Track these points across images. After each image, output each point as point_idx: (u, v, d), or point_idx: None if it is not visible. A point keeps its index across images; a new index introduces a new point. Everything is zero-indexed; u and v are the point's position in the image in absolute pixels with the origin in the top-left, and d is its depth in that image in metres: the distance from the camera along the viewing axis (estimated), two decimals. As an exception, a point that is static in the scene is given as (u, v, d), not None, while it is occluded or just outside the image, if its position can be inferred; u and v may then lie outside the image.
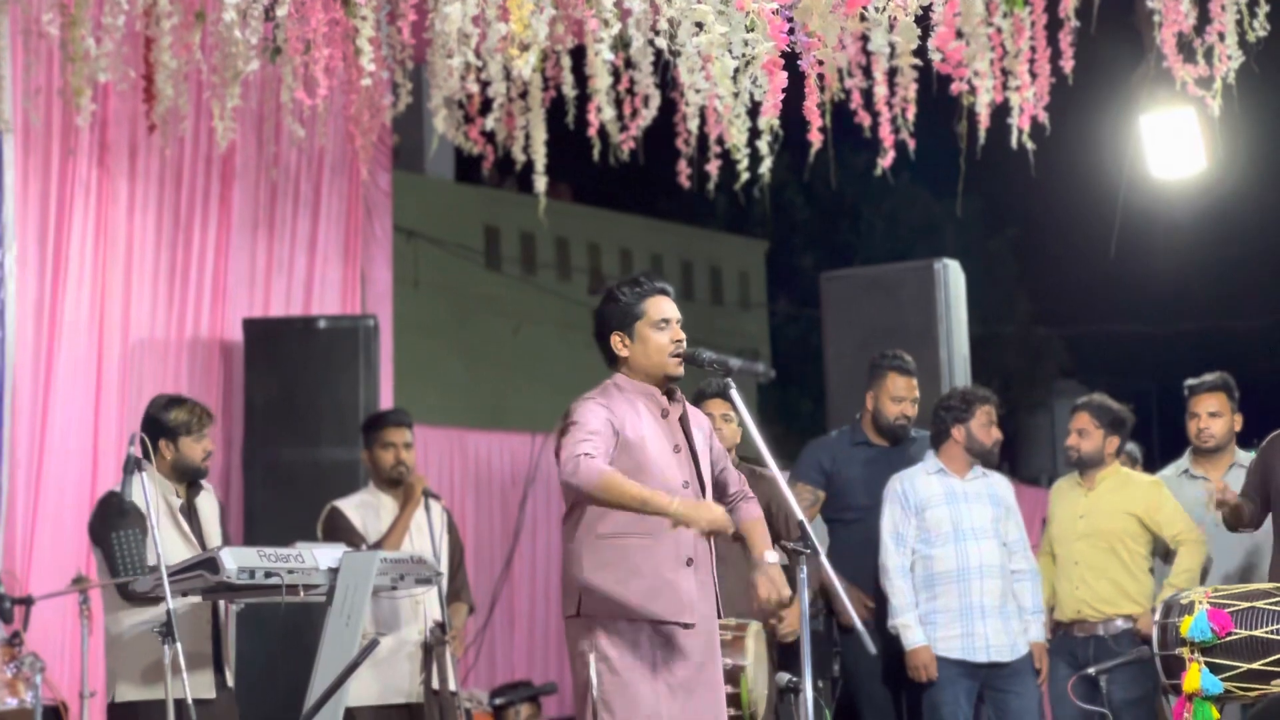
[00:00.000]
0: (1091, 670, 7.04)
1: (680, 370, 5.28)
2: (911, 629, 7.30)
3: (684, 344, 5.29)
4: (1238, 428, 7.82)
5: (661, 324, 5.27)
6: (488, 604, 11.39)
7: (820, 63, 6.07)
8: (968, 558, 7.29)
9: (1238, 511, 7.17)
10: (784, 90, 7.51)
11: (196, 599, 6.31)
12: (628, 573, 5.13)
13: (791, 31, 6.23)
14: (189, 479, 6.53)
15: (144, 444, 6.52)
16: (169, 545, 6.31)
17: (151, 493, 6.38)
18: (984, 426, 7.43)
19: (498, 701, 9.72)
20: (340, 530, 7.42)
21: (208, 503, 6.66)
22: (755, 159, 8.19)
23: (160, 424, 6.54)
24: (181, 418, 6.52)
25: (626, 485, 5.02)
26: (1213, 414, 7.73)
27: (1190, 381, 7.83)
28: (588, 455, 5.02)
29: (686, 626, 5.18)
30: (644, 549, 5.14)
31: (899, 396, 7.78)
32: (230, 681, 6.51)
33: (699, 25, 7.58)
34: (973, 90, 8.19)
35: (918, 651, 7.27)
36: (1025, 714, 7.34)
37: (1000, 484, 7.53)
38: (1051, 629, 7.59)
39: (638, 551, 5.14)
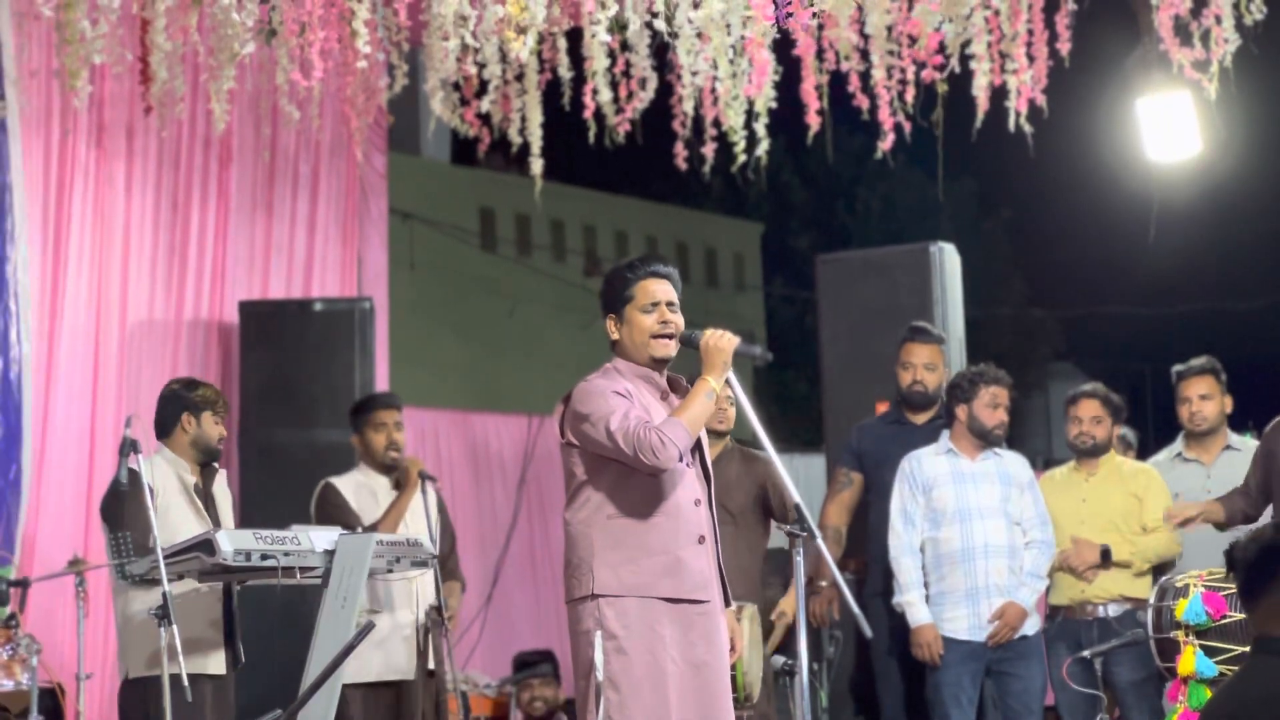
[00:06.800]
0: (1087, 653, 7.04)
1: (666, 351, 5.22)
2: (915, 607, 7.29)
3: (671, 325, 5.23)
4: (1228, 410, 7.83)
5: (649, 307, 5.22)
6: (489, 584, 11.40)
7: (820, 26, 6.06)
8: (973, 538, 7.28)
9: (1213, 519, 7.14)
10: (778, 72, 7.53)
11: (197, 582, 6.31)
12: (640, 551, 5.11)
13: (790, 15, 6.24)
14: (205, 459, 6.54)
15: (161, 422, 6.54)
16: (183, 523, 6.33)
17: (163, 472, 6.39)
18: (987, 407, 7.40)
19: (517, 677, 9.75)
20: (334, 506, 7.43)
21: (223, 488, 6.68)
22: (752, 141, 8.20)
23: (185, 399, 6.55)
24: (208, 395, 6.55)
25: (689, 411, 5.09)
26: (1203, 397, 7.75)
27: (1178, 367, 7.86)
28: (656, 429, 5.00)
29: (699, 604, 5.17)
30: (657, 527, 5.12)
31: (907, 363, 7.85)
32: (242, 657, 6.54)
33: (695, 3, 7.59)
34: (949, 79, 8.22)
35: (922, 629, 7.27)
36: (1028, 696, 7.32)
37: (1014, 462, 7.48)
38: (1049, 614, 7.59)
39: (650, 530, 5.12)
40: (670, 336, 5.22)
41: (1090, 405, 7.65)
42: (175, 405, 6.56)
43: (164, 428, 6.57)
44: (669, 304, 5.23)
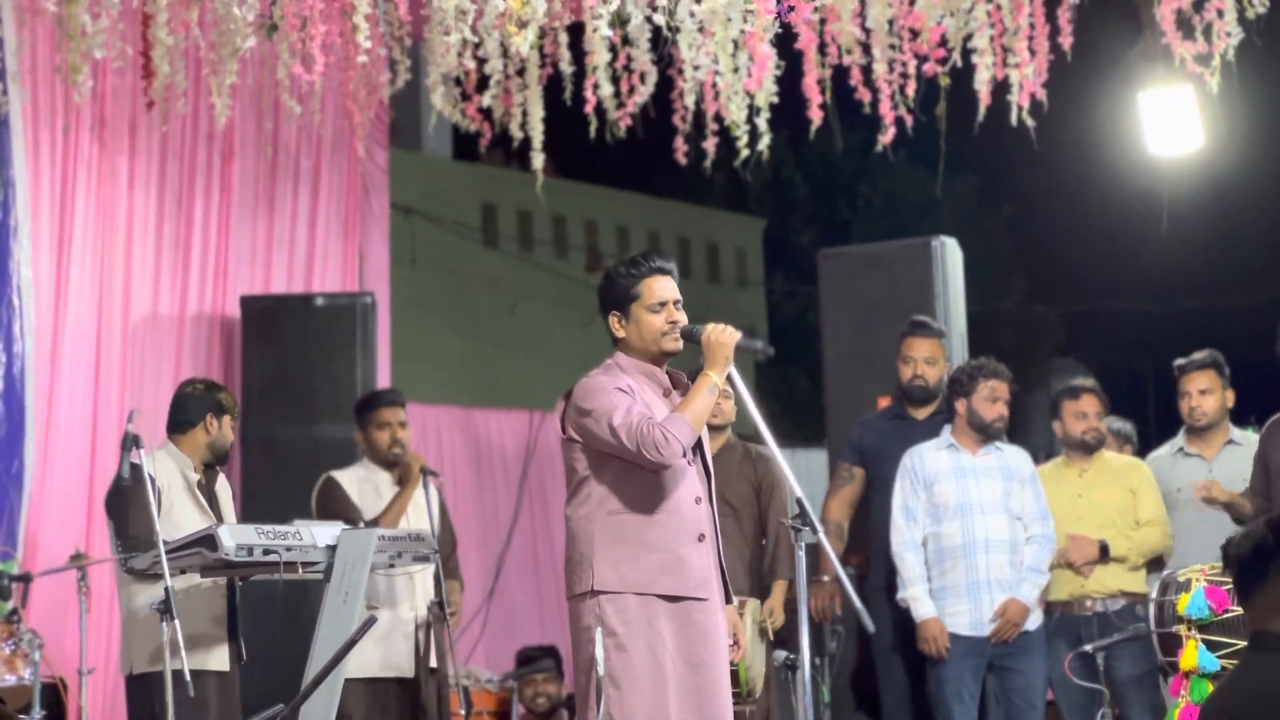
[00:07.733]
0: (1089, 648, 7.04)
1: (675, 346, 5.24)
2: (920, 601, 7.29)
3: (678, 325, 5.23)
4: (1230, 404, 7.82)
5: (657, 306, 5.22)
6: (490, 579, 11.40)
7: (822, 21, 6.05)
8: (974, 532, 7.28)
9: (1237, 510, 7.12)
10: (780, 66, 7.51)
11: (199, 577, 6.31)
12: (641, 548, 5.11)
13: (792, 9, 6.23)
14: (215, 460, 6.55)
15: (182, 418, 6.53)
16: (186, 518, 6.33)
17: (166, 467, 6.38)
18: (985, 401, 7.39)
19: (519, 673, 9.73)
20: (335, 500, 7.43)
21: (224, 488, 6.68)
22: (754, 136, 8.19)
23: (212, 401, 6.55)
24: (228, 402, 6.59)
25: (691, 406, 5.10)
26: (1203, 391, 7.73)
27: (1179, 361, 7.83)
28: (659, 425, 5.01)
29: (699, 601, 5.16)
30: (657, 524, 5.12)
31: (907, 357, 7.85)
32: (244, 654, 6.54)
33: (698, -1, 7.56)
34: (951, 72, 8.21)
35: (927, 624, 7.27)
36: (1030, 691, 7.32)
37: (1015, 456, 7.47)
38: (1045, 610, 7.57)
39: (651, 527, 5.12)
40: (681, 334, 5.23)
41: (1093, 400, 7.66)
42: (202, 404, 6.54)
43: (182, 424, 6.54)
44: (675, 302, 5.24)
